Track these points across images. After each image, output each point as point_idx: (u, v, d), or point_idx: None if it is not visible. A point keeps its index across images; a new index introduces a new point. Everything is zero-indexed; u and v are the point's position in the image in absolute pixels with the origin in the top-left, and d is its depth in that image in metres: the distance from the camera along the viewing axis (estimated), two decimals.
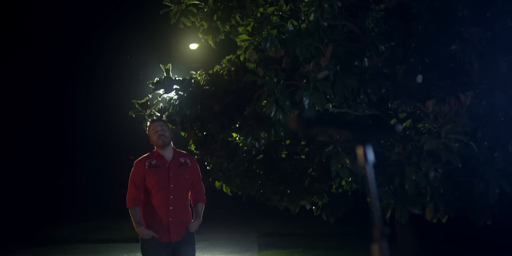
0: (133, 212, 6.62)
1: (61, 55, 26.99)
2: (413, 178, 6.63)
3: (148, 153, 6.84)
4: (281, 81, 7.07)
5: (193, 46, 15.28)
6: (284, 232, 19.11)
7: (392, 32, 8.11)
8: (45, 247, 15.90)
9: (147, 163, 6.68)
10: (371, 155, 1.92)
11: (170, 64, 8.82)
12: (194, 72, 9.07)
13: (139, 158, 6.83)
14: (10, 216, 23.12)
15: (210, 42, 9.31)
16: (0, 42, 25.15)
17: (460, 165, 6.52)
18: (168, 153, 6.77)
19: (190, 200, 6.94)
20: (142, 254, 6.80)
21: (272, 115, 7.01)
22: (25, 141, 28.03)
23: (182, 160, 6.80)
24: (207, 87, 8.72)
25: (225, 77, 8.83)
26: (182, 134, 8.90)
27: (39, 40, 25.90)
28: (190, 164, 6.83)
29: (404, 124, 7.05)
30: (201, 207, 6.93)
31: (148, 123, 7.07)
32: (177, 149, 6.94)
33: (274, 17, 8.26)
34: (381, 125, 2.07)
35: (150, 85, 8.78)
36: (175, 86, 8.68)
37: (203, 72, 9.05)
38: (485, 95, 6.84)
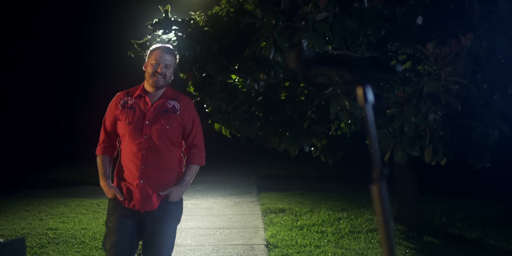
0: (98, 161, 5.14)
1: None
2: (412, 120, 6.63)
3: (132, 88, 5.21)
4: (280, 23, 7.01)
5: None
6: (283, 174, 19.27)
7: None
8: (44, 189, 16.01)
9: (121, 102, 5.09)
10: (370, 96, 1.91)
11: (169, 5, 8.74)
12: (193, 13, 9.00)
13: (119, 93, 5.23)
14: (9, 159, 23.25)
15: None
16: None
17: (460, 108, 6.51)
18: (154, 93, 5.06)
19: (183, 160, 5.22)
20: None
21: (271, 57, 6.97)
22: (24, 83, 27.98)
23: (169, 104, 5.04)
24: (206, 29, 8.67)
25: (224, 18, 8.77)
26: (181, 75, 8.88)
27: None
28: (179, 112, 5.04)
29: (404, 66, 7.02)
30: (191, 170, 5.13)
31: (153, 47, 5.17)
32: (172, 90, 5.21)
33: None
34: (381, 66, 2.04)
35: (149, 26, 8.72)
36: (174, 27, 8.63)
37: (202, 13, 8.97)
38: (485, 37, 6.80)
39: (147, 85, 5.07)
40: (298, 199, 13.11)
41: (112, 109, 5.11)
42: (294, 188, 15.25)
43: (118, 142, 5.20)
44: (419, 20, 7.30)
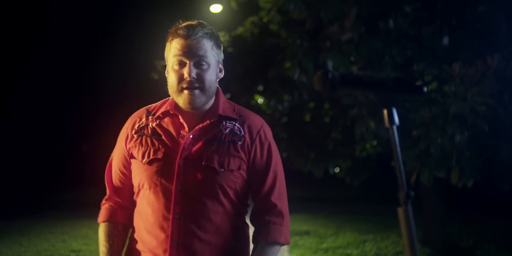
0: (100, 234, 2.97)
1: (88, 14, 27.10)
2: (439, 141, 6.56)
3: (155, 104, 3.04)
4: (305, 43, 7.01)
5: (215, 8, 15.19)
6: (307, 196, 19.20)
7: None
8: (67, 210, 16.08)
9: (137, 126, 2.94)
10: (396, 118, 1.90)
11: None
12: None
13: (134, 113, 3.04)
14: (32, 179, 23.40)
15: (233, 4, 9.24)
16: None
17: (486, 129, 6.44)
18: (194, 111, 2.84)
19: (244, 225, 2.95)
20: None
21: (296, 77, 6.97)
22: (45, 103, 28.19)
23: (224, 129, 2.83)
24: (230, 50, 8.69)
25: (248, 39, 8.80)
26: None
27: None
28: (243, 141, 2.82)
29: (429, 87, 6.97)
30: (270, 250, 2.80)
31: (172, 29, 2.84)
32: (229, 102, 3.00)
33: None
34: (406, 87, 2.02)
35: None
36: None
37: (226, 34, 9.02)
38: None
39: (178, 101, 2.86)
40: (323, 221, 13.04)
41: (122, 141, 2.99)
42: (318, 210, 15.18)
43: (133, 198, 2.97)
44: (445, 40, 7.26)
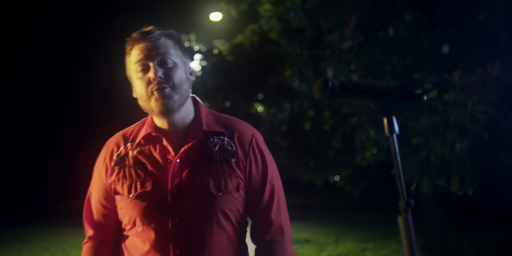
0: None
1: (85, 23, 27.11)
2: (439, 149, 6.56)
3: (131, 126, 2.77)
4: (305, 51, 7.02)
5: (215, 17, 15.21)
6: (307, 204, 19.19)
7: (417, 1, 8.00)
8: (67, 218, 16.01)
9: (115, 157, 2.64)
10: (395, 126, 1.92)
11: (193, 35, 8.81)
12: (218, 42, 9.07)
13: (109, 140, 2.76)
14: (32, 188, 23.42)
15: (233, 13, 9.25)
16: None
17: (487, 137, 6.44)
18: (176, 128, 2.59)
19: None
20: None
21: (296, 86, 6.97)
22: (49, 113, 28.23)
23: (214, 146, 2.55)
24: (230, 58, 8.71)
25: (248, 47, 8.81)
26: (205, 105, 8.91)
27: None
28: (237, 157, 2.55)
29: (430, 95, 6.98)
30: None
31: (127, 45, 2.59)
32: (211, 112, 2.71)
33: None
34: (406, 96, 2.04)
35: None
36: (198, 57, 8.71)
37: (226, 43, 9.04)
38: None
39: (156, 118, 2.61)
40: (323, 230, 13.03)
41: (101, 175, 2.68)
42: (318, 218, 15.18)
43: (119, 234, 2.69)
44: (445, 48, 7.27)
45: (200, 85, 8.34)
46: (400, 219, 1.85)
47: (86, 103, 29.89)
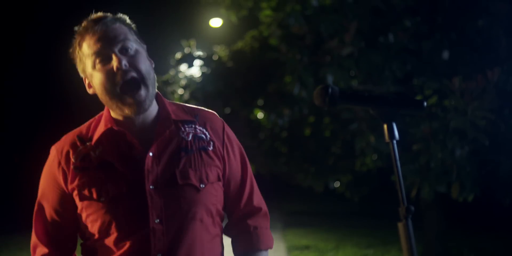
0: None
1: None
2: (439, 156, 6.55)
3: (85, 124, 2.48)
4: (305, 58, 7.02)
5: (215, 23, 15.23)
6: (307, 210, 19.19)
7: (417, 7, 8.01)
8: None
9: (74, 159, 2.33)
10: (396, 133, 1.92)
11: (193, 40, 8.81)
12: (218, 48, 9.08)
13: (59, 141, 2.46)
14: (32, 194, 23.39)
15: (233, 18, 9.25)
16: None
17: (487, 143, 6.43)
18: (138, 121, 2.33)
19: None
20: None
21: (295, 92, 6.97)
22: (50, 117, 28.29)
23: (186, 135, 2.35)
24: (230, 64, 8.71)
25: (248, 53, 8.81)
26: None
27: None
28: (213, 144, 2.38)
29: (430, 101, 6.97)
30: None
31: (75, 40, 2.30)
32: (173, 103, 2.48)
33: None
34: (406, 102, 2.04)
35: (171, 62, 8.79)
36: (198, 63, 8.70)
37: (226, 49, 9.04)
38: None
39: (114, 112, 2.35)
40: (323, 236, 13.01)
41: (57, 182, 2.37)
42: (319, 224, 15.16)
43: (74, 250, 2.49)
44: (445, 54, 7.27)
45: (200, 91, 8.34)
46: (400, 226, 1.85)
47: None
